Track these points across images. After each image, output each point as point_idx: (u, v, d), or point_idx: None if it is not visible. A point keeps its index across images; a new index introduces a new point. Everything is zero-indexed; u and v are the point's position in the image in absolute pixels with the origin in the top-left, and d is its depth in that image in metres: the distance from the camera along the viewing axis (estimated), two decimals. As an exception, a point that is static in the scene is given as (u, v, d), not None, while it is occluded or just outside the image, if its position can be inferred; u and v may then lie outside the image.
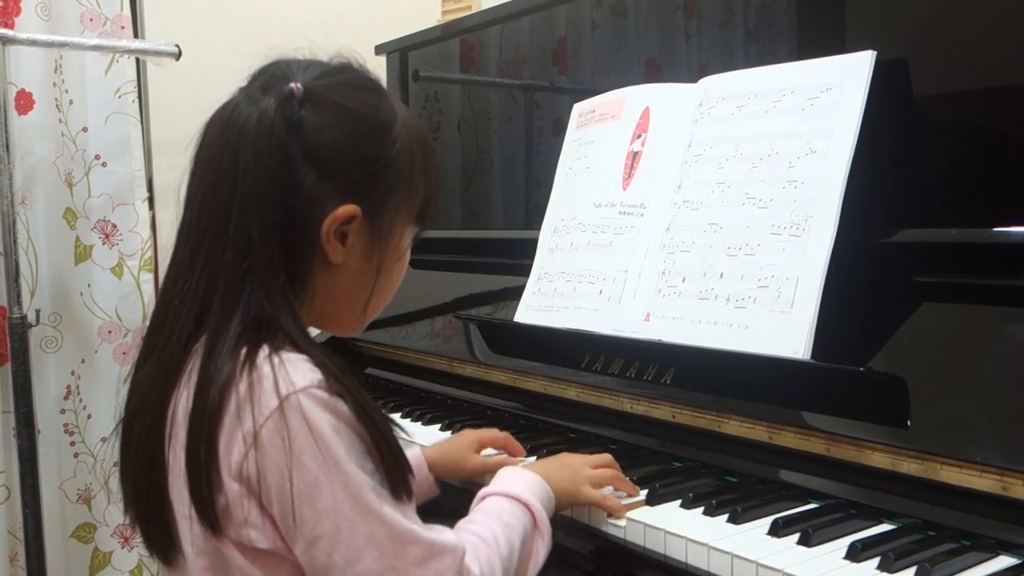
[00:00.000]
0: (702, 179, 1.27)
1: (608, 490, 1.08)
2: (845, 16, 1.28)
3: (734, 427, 1.14)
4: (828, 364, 1.06)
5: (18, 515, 1.95)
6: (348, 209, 0.86)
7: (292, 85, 0.85)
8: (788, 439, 1.09)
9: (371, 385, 1.81)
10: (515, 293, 1.53)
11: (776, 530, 0.96)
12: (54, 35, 1.98)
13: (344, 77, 0.89)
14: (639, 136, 1.42)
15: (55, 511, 2.12)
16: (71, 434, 2.14)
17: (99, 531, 2.18)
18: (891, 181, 1.17)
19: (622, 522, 1.04)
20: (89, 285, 2.12)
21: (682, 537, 0.97)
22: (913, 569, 0.86)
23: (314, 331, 0.92)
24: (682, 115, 1.35)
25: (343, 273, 0.89)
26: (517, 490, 0.96)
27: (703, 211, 1.25)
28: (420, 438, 1.40)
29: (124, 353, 2.15)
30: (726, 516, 1.01)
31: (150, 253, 2.16)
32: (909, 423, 0.98)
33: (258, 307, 0.83)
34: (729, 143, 1.25)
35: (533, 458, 1.24)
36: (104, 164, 2.11)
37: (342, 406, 0.81)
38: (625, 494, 1.08)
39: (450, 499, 1.21)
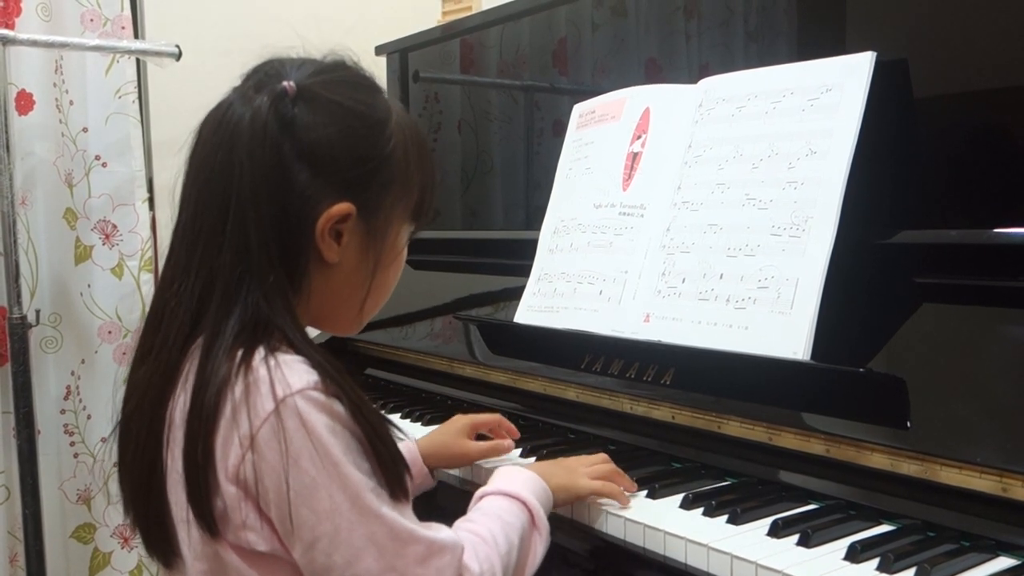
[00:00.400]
0: (702, 180, 1.27)
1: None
2: (845, 17, 1.28)
3: (734, 428, 1.14)
4: (828, 365, 1.06)
5: (18, 515, 1.95)
6: (342, 207, 0.85)
7: (285, 83, 0.84)
8: (788, 440, 1.08)
9: (371, 386, 1.80)
10: (515, 294, 1.53)
11: (776, 531, 0.96)
12: (54, 35, 1.98)
13: (337, 75, 0.89)
14: (639, 137, 1.42)
15: (55, 511, 2.12)
16: (71, 434, 2.14)
17: (99, 531, 2.18)
18: (891, 182, 1.17)
19: (621, 522, 1.03)
20: (89, 285, 2.12)
21: (681, 538, 0.97)
22: (913, 570, 0.86)
23: (313, 332, 0.92)
24: (682, 116, 1.35)
25: (339, 272, 0.89)
26: (514, 488, 0.97)
27: (703, 212, 1.25)
28: (417, 438, 1.40)
29: (124, 353, 2.15)
30: (726, 517, 1.01)
31: (150, 253, 2.16)
32: (909, 424, 0.98)
33: (255, 307, 0.82)
34: (729, 144, 1.25)
35: (532, 459, 1.23)
36: (104, 164, 2.11)
37: (338, 407, 0.81)
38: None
39: (449, 500, 1.21)
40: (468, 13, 2.17)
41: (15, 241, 1.88)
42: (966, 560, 0.88)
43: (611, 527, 1.05)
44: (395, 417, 1.55)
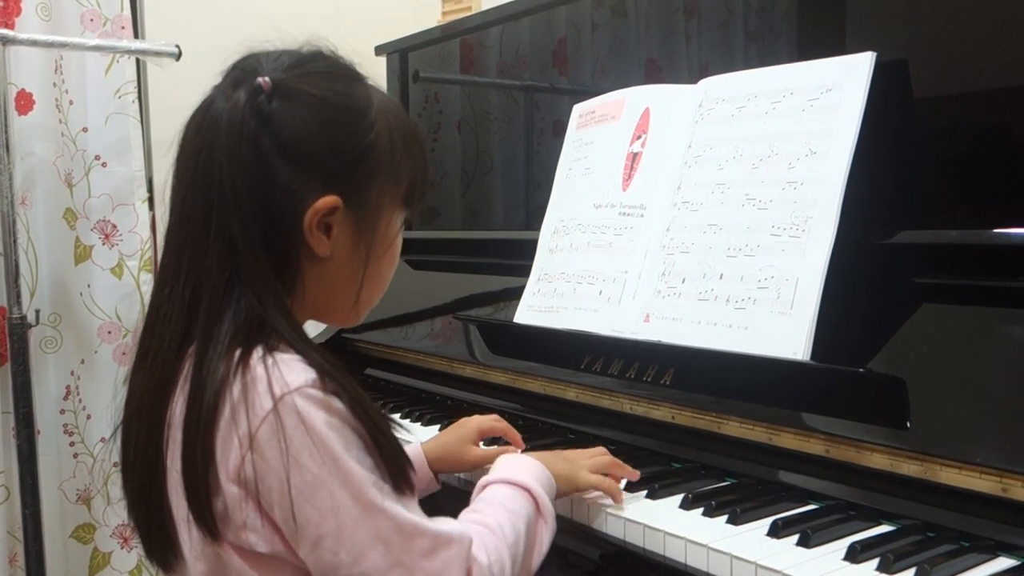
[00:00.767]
0: (702, 180, 1.27)
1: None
2: (845, 17, 1.28)
3: (734, 428, 1.14)
4: (828, 365, 1.06)
5: (17, 515, 1.95)
6: (328, 200, 0.84)
7: (260, 80, 0.83)
8: (788, 440, 1.08)
9: (371, 386, 1.80)
10: (515, 294, 1.53)
11: (775, 531, 0.96)
12: (54, 35, 1.99)
13: (314, 66, 0.88)
14: (639, 137, 1.42)
15: (54, 511, 2.12)
16: (71, 434, 2.14)
17: (98, 532, 2.18)
18: (891, 182, 1.17)
19: (621, 523, 1.03)
20: (89, 285, 2.12)
21: (681, 538, 0.97)
22: (912, 570, 0.86)
23: (313, 332, 0.92)
24: (682, 116, 1.35)
25: (331, 265, 0.88)
26: (518, 476, 0.96)
27: (703, 212, 1.25)
28: (419, 438, 1.39)
29: (124, 353, 2.15)
30: (725, 517, 1.01)
31: (150, 253, 2.16)
32: (908, 424, 0.98)
33: (248, 309, 0.82)
34: (729, 144, 1.25)
35: (532, 459, 1.24)
36: (104, 164, 2.11)
37: (337, 404, 0.80)
38: (624, 482, 1.09)
39: (449, 500, 1.21)
40: (468, 13, 2.17)
41: (15, 241, 1.88)
42: (966, 560, 0.88)
43: (611, 527, 1.05)
44: (395, 417, 1.55)
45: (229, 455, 0.79)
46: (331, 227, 0.86)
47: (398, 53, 2.11)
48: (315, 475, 0.77)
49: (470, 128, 1.97)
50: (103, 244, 2.12)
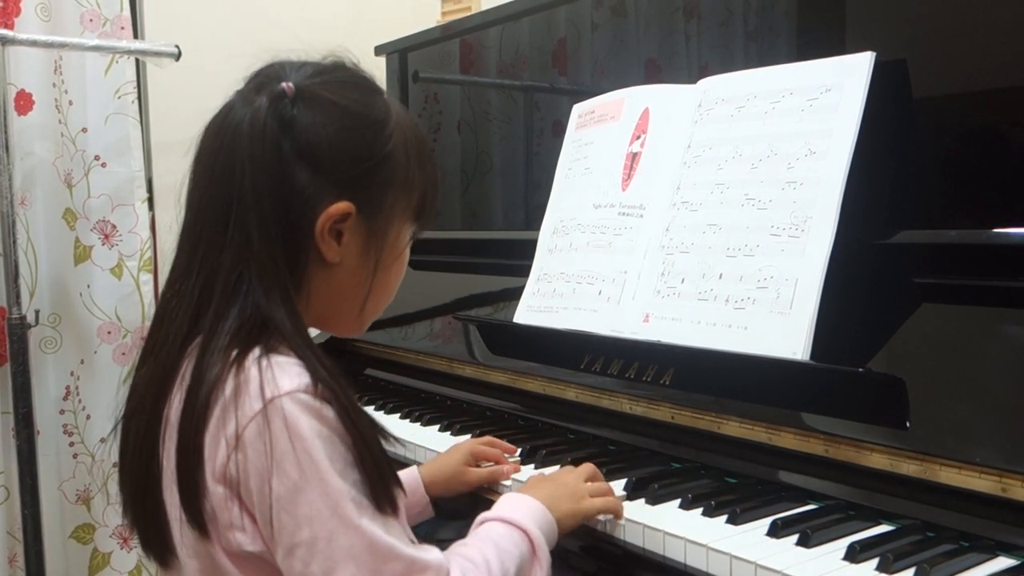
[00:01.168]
0: (701, 180, 1.27)
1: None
2: (845, 17, 1.28)
3: (733, 428, 1.14)
4: (827, 365, 1.06)
5: (17, 516, 1.95)
6: (342, 206, 0.85)
7: (283, 84, 0.85)
8: (787, 440, 1.08)
9: (370, 386, 1.80)
10: (514, 294, 1.53)
11: (775, 531, 0.96)
12: (54, 36, 1.99)
13: (336, 75, 0.89)
14: (638, 137, 1.42)
15: (54, 512, 2.12)
16: (70, 435, 2.14)
17: (98, 532, 2.18)
18: (890, 182, 1.17)
19: (621, 523, 1.04)
20: (88, 286, 2.12)
21: (681, 538, 0.97)
22: (912, 570, 0.86)
23: (312, 332, 0.92)
24: (681, 116, 1.35)
25: (340, 272, 0.88)
26: (516, 516, 0.94)
27: (702, 212, 1.25)
28: (419, 439, 1.40)
29: (123, 354, 2.15)
30: (725, 517, 1.01)
31: (149, 254, 2.16)
32: (908, 424, 0.98)
33: (254, 306, 0.82)
34: (728, 144, 1.25)
35: (531, 466, 1.23)
36: (104, 165, 2.11)
37: (328, 412, 0.79)
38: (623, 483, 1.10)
39: (449, 500, 1.21)
40: (468, 13, 2.17)
41: (14, 241, 1.89)
42: (965, 560, 0.88)
43: (610, 527, 1.05)
44: (395, 417, 1.55)
45: (216, 454, 0.79)
46: (342, 233, 0.87)
47: (398, 53, 2.11)
48: (295, 482, 0.77)
49: (470, 128, 1.97)
50: (103, 244, 2.12)
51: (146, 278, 2.15)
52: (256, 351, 0.81)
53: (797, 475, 1.08)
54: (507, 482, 1.19)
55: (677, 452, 1.22)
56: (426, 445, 1.36)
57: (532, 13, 1.80)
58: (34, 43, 1.92)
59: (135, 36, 2.23)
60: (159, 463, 0.84)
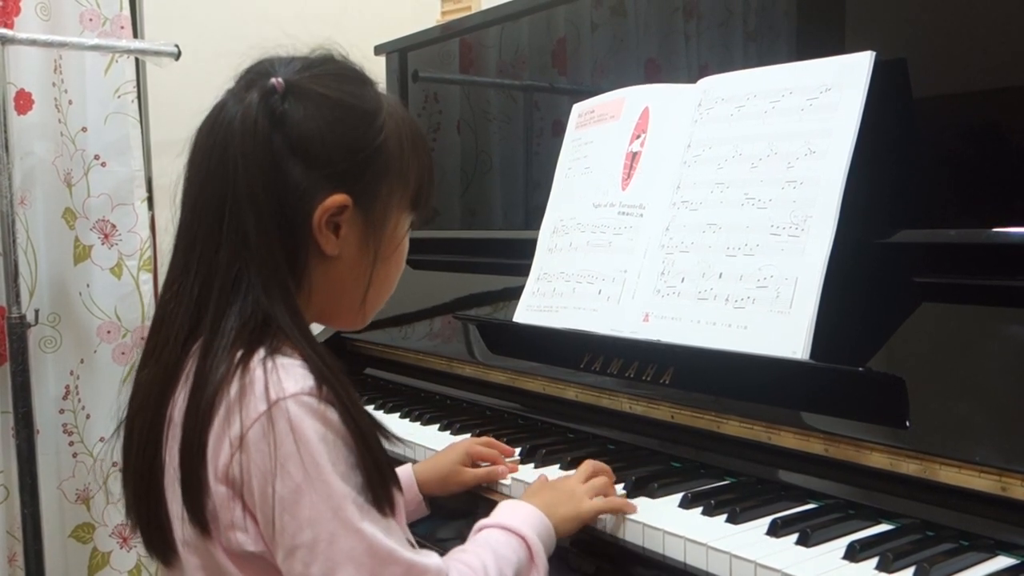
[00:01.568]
0: (701, 179, 1.27)
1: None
2: (844, 16, 1.28)
3: (733, 427, 1.14)
4: (827, 364, 1.06)
5: (17, 515, 1.95)
6: (338, 199, 0.85)
7: (273, 80, 0.85)
8: (787, 439, 1.08)
9: (370, 385, 1.80)
10: (514, 293, 1.53)
11: (775, 530, 0.96)
12: (53, 35, 1.99)
13: (326, 68, 0.89)
14: (638, 136, 1.42)
15: (54, 511, 2.12)
16: (70, 434, 2.14)
17: (98, 531, 2.18)
18: (890, 181, 1.17)
19: (620, 522, 1.03)
20: (88, 285, 2.12)
21: (680, 537, 0.97)
22: (912, 569, 0.86)
23: (315, 329, 0.92)
24: (681, 115, 1.35)
25: (339, 265, 0.88)
26: (514, 523, 0.95)
27: (702, 211, 1.25)
28: (419, 438, 1.40)
29: (123, 353, 2.15)
30: (725, 516, 1.01)
31: (149, 253, 2.16)
32: (908, 423, 0.98)
33: (255, 304, 0.82)
34: (728, 143, 1.25)
35: (531, 465, 1.23)
36: (103, 164, 2.11)
37: (332, 414, 0.80)
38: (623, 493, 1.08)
39: (448, 499, 1.21)
40: (467, 13, 2.17)
41: (14, 241, 1.88)
42: (965, 559, 0.88)
43: (610, 526, 1.05)
44: (394, 416, 1.55)
45: (219, 454, 0.79)
46: (340, 226, 0.87)
47: (397, 53, 2.11)
48: (298, 484, 0.77)
49: (469, 128, 1.97)
50: (102, 244, 2.12)
51: (146, 277, 2.15)
52: (261, 352, 0.81)
53: (797, 474, 1.08)
54: (505, 481, 1.19)
55: (677, 451, 1.22)
56: (426, 444, 1.36)
57: (532, 13, 1.79)
58: (34, 42, 1.92)
59: (135, 35, 2.23)
60: (162, 461, 0.84)
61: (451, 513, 1.21)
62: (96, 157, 2.10)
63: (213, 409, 0.79)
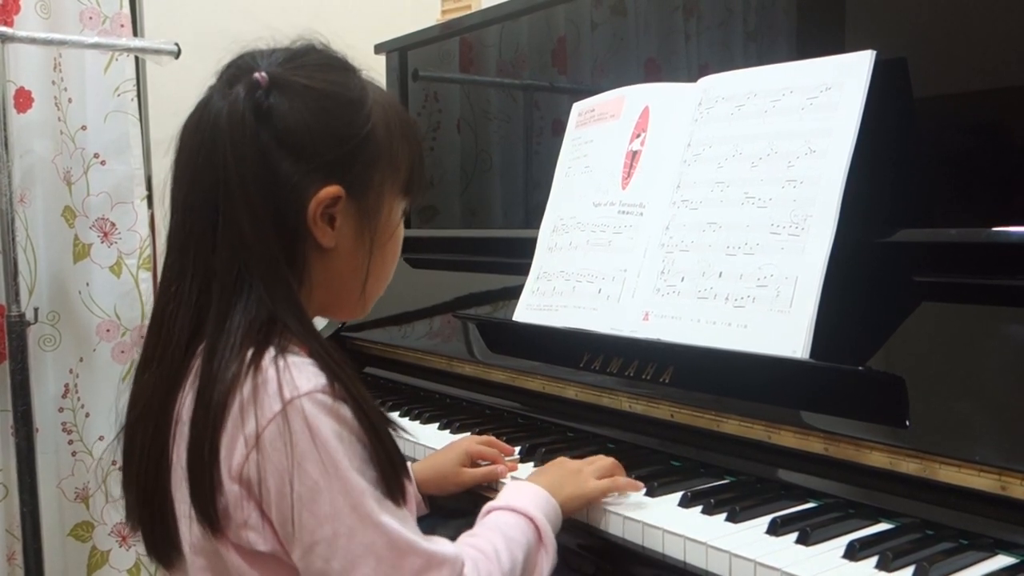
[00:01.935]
0: (701, 178, 1.27)
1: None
2: (845, 16, 1.28)
3: (733, 426, 1.14)
4: (827, 363, 1.06)
5: (16, 514, 1.95)
6: (330, 190, 0.85)
7: (257, 75, 0.84)
8: (787, 438, 1.09)
9: (370, 384, 1.80)
10: (514, 292, 1.53)
11: (774, 529, 0.96)
12: (53, 33, 1.98)
13: (308, 59, 0.88)
14: (638, 135, 1.42)
15: (53, 510, 2.12)
16: (69, 433, 2.14)
17: (97, 530, 2.18)
18: (890, 181, 1.17)
19: (620, 521, 1.03)
20: (88, 283, 2.12)
21: (680, 536, 0.97)
22: (911, 568, 0.86)
23: (319, 324, 0.92)
24: (681, 114, 1.35)
25: (337, 257, 0.88)
26: (522, 504, 0.95)
27: (702, 210, 1.25)
28: (419, 437, 1.40)
29: (123, 352, 2.15)
30: (724, 515, 1.01)
31: (149, 251, 2.15)
32: (908, 423, 0.98)
33: (258, 303, 0.82)
34: (728, 142, 1.25)
35: (531, 464, 1.23)
36: (103, 162, 2.11)
37: (345, 411, 0.80)
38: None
39: (448, 499, 1.21)
40: (467, 12, 2.17)
41: (13, 239, 1.88)
42: (965, 558, 0.88)
43: (610, 525, 1.05)
44: (394, 415, 1.55)
45: (233, 453, 0.79)
46: (335, 218, 0.87)
47: (397, 51, 2.11)
48: (316, 481, 0.78)
49: (469, 127, 1.97)
50: (102, 242, 2.12)
51: (145, 276, 2.15)
52: (271, 351, 0.81)
53: (797, 473, 1.09)
54: (505, 480, 1.19)
55: (677, 450, 1.22)
56: (426, 443, 1.36)
57: (532, 12, 1.79)
58: (33, 40, 1.92)
59: (134, 34, 2.23)
60: (168, 461, 0.84)
61: (451, 512, 1.21)
62: (96, 155, 2.10)
63: (225, 408, 0.79)
